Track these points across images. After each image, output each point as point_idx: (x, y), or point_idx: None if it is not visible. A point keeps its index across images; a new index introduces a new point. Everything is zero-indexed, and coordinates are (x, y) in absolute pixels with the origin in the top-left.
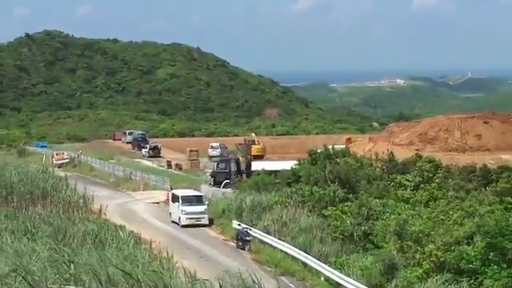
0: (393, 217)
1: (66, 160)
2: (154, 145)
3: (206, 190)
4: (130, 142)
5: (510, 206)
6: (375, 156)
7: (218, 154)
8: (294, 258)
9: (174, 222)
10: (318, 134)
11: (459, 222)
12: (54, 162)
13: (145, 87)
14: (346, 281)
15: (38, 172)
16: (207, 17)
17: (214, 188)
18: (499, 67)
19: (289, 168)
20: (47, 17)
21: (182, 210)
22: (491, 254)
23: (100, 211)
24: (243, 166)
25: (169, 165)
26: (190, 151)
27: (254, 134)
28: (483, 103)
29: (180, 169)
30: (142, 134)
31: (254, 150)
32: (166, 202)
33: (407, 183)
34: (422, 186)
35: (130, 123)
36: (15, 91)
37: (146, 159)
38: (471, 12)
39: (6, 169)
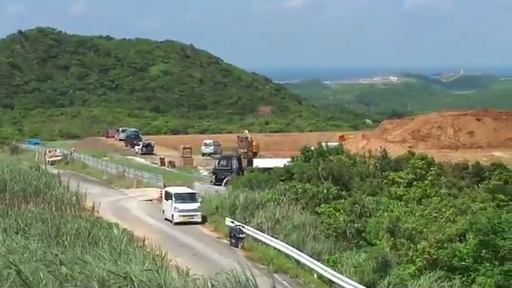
0: (386, 214)
1: (59, 157)
2: (147, 142)
3: (199, 188)
4: (123, 140)
5: (502, 203)
6: (368, 153)
7: (212, 151)
8: (287, 255)
9: (167, 219)
10: (311, 131)
11: (452, 219)
12: (47, 159)
13: (138, 84)
14: (338, 278)
15: (30, 169)
16: (201, 14)
17: (207, 185)
18: (492, 65)
19: (282, 165)
20: (40, 14)
21: (175, 208)
22: (483, 251)
23: (93, 209)
24: (245, 163)
25: (162, 162)
26: (184, 148)
27: (247, 132)
28: (476, 100)
29: (173, 166)
30: (135, 132)
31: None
32: (159, 200)
33: (400, 180)
34: (415, 183)
35: (123, 120)
36: (8, 88)
37: (139, 156)
38: (465, 10)
39: None
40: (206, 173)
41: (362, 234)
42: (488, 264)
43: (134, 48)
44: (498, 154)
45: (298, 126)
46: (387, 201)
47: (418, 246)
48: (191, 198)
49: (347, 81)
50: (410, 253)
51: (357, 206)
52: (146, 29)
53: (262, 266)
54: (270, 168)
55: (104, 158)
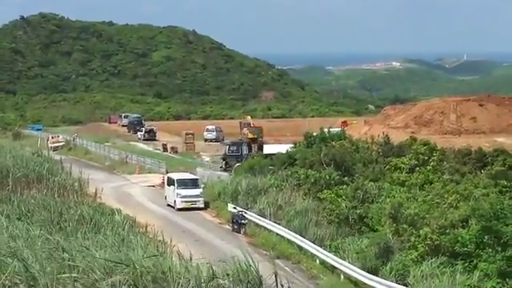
0: (388, 200)
1: (62, 143)
2: (149, 128)
3: (202, 173)
4: (125, 125)
5: (504, 189)
6: (371, 139)
7: (214, 137)
8: (289, 241)
9: (169, 205)
10: (313, 116)
11: (454, 205)
12: (50, 145)
13: (140, 70)
14: (341, 264)
15: (33, 155)
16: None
17: (210, 171)
18: (495, 50)
19: (284, 151)
20: None
21: (177, 194)
22: (486, 237)
23: (95, 195)
24: (255, 149)
25: (164, 148)
26: (186, 134)
27: (249, 117)
28: (479, 86)
29: (176, 152)
30: (138, 117)
31: (250, 133)
32: (162, 186)
33: (402, 166)
34: (418, 168)
35: (125, 106)
36: (10, 74)
37: (142, 142)
38: None
39: (1, 152)
40: (208, 158)
41: (365, 220)
42: (490, 250)
43: (137, 34)
44: (500, 139)
45: (300, 111)
46: (389, 187)
47: (421, 231)
48: (193, 183)
49: (350, 66)
50: (413, 239)
51: (359, 191)
52: (148, 14)
53: (265, 252)
54: (273, 154)
55: (106, 144)
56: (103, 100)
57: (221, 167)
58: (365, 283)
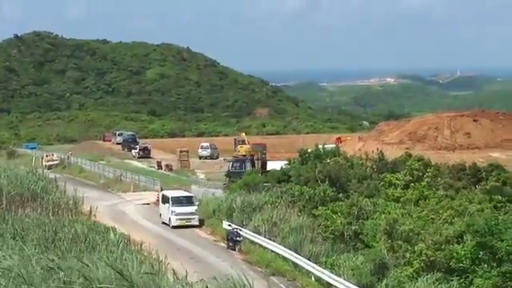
0: (383, 216)
1: (56, 161)
2: (144, 146)
3: (197, 191)
4: (120, 143)
5: (499, 204)
6: (365, 155)
7: (209, 154)
8: (284, 258)
9: (164, 223)
10: (308, 133)
11: (449, 220)
12: (44, 163)
13: (135, 88)
14: (336, 281)
15: (27, 174)
16: (197, 17)
17: (204, 189)
18: (488, 65)
19: (279, 168)
20: (37, 18)
21: (172, 211)
22: (481, 252)
23: (90, 213)
24: (258, 166)
25: (159, 165)
26: (180, 151)
27: (244, 134)
28: (472, 101)
29: (170, 169)
30: (132, 135)
31: (244, 150)
32: (157, 203)
33: (397, 182)
34: (412, 184)
35: (119, 124)
36: (4, 93)
37: (136, 160)
38: (461, 11)
39: None
40: (202, 176)
41: (360, 236)
42: (485, 265)
43: (131, 51)
44: (495, 154)
45: (294, 128)
46: (384, 203)
47: (416, 247)
48: (188, 201)
49: (344, 82)
50: (408, 255)
51: (354, 208)
52: (142, 32)
53: (260, 269)
54: (268, 170)
55: (101, 162)
56: (97, 118)
57: (224, 184)
58: None
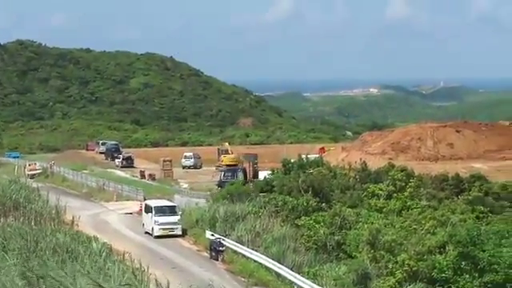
0: (366, 226)
1: (39, 171)
2: (127, 155)
3: (180, 201)
4: (103, 153)
5: (481, 214)
6: (348, 165)
7: (192, 163)
8: (267, 268)
9: (147, 232)
10: (291, 143)
11: (431, 231)
12: (27, 172)
13: (118, 97)
14: None
15: (10, 183)
16: (181, 26)
17: (188, 198)
18: (471, 77)
19: (263, 177)
20: (20, 26)
21: (155, 221)
22: (463, 263)
23: (72, 222)
24: (250, 175)
25: (142, 175)
26: (164, 161)
27: (227, 144)
28: (455, 112)
29: (153, 179)
30: (115, 145)
31: (227, 159)
32: (139, 213)
33: (380, 192)
34: (395, 195)
35: (103, 133)
36: None
37: (119, 169)
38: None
39: None
40: (186, 185)
41: (342, 247)
42: (468, 276)
43: (114, 60)
44: (477, 165)
45: (278, 138)
46: (367, 213)
47: (398, 258)
48: (171, 211)
49: (327, 93)
50: (390, 265)
51: (337, 218)
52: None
53: (242, 279)
54: (251, 180)
55: (84, 171)
56: (81, 127)
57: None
58: None
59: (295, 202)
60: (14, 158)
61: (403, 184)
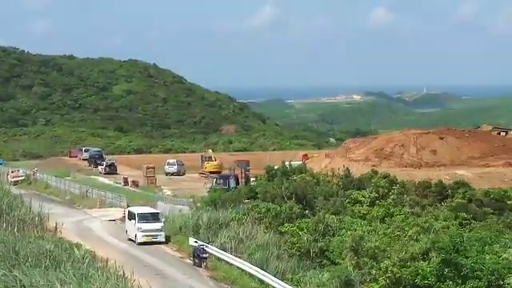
0: (349, 233)
1: (22, 177)
2: (110, 162)
3: (163, 207)
4: (86, 159)
5: (464, 221)
6: (332, 172)
7: (175, 170)
8: (250, 274)
9: (130, 239)
10: (274, 150)
11: (415, 237)
12: (10, 179)
13: (101, 104)
14: None
15: None
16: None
17: (171, 205)
18: (454, 83)
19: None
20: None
21: (138, 228)
22: (446, 269)
23: (55, 229)
24: (242, 182)
25: (125, 182)
26: (147, 168)
27: (211, 151)
28: (438, 119)
29: (136, 186)
30: (99, 151)
31: (211, 166)
32: (123, 220)
33: (363, 199)
34: (378, 201)
35: (86, 140)
36: None
37: (103, 176)
38: (427, 29)
39: None
40: (169, 192)
41: (326, 253)
42: (451, 282)
43: (97, 67)
44: (460, 172)
45: (261, 144)
46: (350, 220)
47: (382, 264)
48: (154, 217)
49: (311, 99)
50: (374, 272)
51: (320, 225)
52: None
53: (226, 286)
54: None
55: (67, 178)
56: (64, 134)
57: None
58: None
59: (278, 208)
60: None
61: (386, 191)
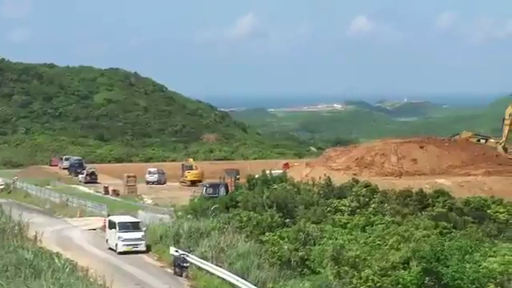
0: (330, 242)
1: (2, 186)
2: (90, 171)
3: (144, 216)
4: (66, 168)
5: (445, 230)
6: (312, 181)
7: (156, 179)
8: (231, 284)
9: (110, 248)
10: (255, 159)
11: (395, 246)
12: None
13: (82, 112)
14: None
15: None
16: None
17: (152, 214)
18: (434, 92)
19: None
20: None
21: (118, 237)
22: (427, 278)
23: (35, 238)
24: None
25: (106, 191)
26: (128, 177)
27: (191, 160)
28: (419, 128)
29: (117, 195)
30: (79, 160)
31: (192, 175)
32: (103, 229)
33: (344, 208)
34: (359, 210)
35: (66, 149)
36: None
37: (83, 185)
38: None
39: None
40: (150, 201)
41: (307, 262)
42: None
43: (78, 76)
44: (440, 181)
45: (242, 153)
46: (331, 229)
47: (362, 273)
48: (135, 226)
49: (291, 108)
50: (354, 281)
51: (301, 233)
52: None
53: None
54: (215, 196)
55: (47, 187)
56: (44, 142)
57: None
58: None
59: (259, 217)
60: None
61: (367, 199)
